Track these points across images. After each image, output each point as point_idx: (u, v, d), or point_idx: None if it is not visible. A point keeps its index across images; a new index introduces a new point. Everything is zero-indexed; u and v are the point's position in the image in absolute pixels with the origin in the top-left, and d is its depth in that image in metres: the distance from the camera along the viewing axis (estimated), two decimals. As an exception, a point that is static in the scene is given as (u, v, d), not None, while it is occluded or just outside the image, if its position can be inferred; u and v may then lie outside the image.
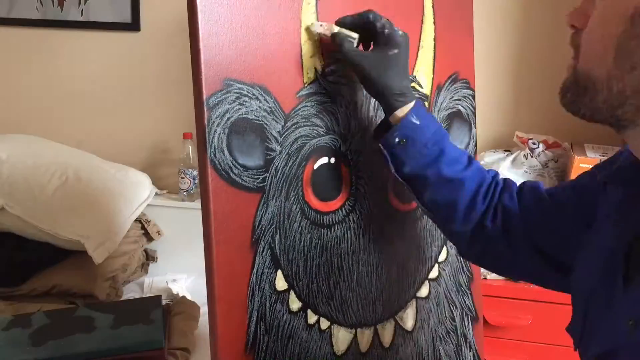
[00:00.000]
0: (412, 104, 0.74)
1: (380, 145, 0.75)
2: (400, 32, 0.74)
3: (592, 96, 0.51)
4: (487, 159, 1.51)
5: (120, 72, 1.79)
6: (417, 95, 0.89)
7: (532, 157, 1.47)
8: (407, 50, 0.74)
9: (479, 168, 0.78)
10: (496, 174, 0.79)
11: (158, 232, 1.68)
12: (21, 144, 1.64)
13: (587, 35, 0.52)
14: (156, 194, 1.71)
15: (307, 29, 0.75)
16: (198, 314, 1.35)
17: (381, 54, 0.72)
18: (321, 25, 0.75)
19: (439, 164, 0.74)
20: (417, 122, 0.73)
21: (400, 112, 0.73)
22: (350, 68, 0.75)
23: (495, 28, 1.60)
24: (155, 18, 1.75)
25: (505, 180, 0.78)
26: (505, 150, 1.56)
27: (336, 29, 0.73)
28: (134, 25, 1.75)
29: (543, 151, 1.47)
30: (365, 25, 0.74)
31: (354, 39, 0.73)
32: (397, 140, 0.73)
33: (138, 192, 1.63)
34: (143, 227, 1.65)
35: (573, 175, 1.30)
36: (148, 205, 1.65)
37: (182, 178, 1.66)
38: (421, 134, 0.73)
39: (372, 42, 0.75)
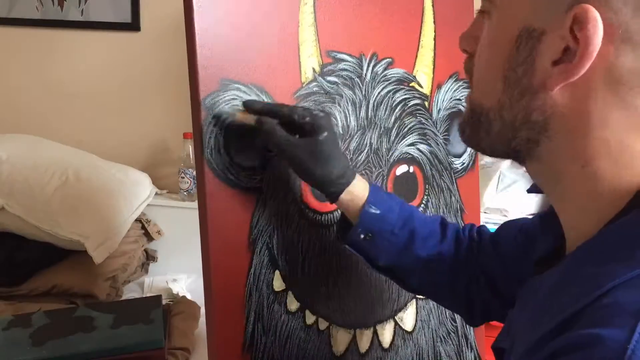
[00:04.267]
0: (366, 193, 0.68)
1: (346, 246, 0.71)
2: (321, 114, 0.67)
3: (487, 129, 0.47)
4: (488, 159, 1.50)
5: (120, 72, 1.79)
6: (416, 95, 0.89)
7: (532, 156, 1.47)
8: (333, 130, 0.68)
9: (454, 234, 0.73)
10: (471, 228, 0.75)
11: (158, 232, 1.67)
12: (21, 144, 1.64)
13: (477, 62, 0.48)
14: (156, 193, 1.71)
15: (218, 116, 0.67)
16: (198, 313, 1.35)
17: (311, 140, 0.65)
18: (241, 113, 0.68)
19: (412, 247, 0.69)
20: (378, 212, 0.68)
21: (351, 198, 0.68)
22: (282, 158, 0.68)
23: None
24: (155, 18, 1.74)
25: (480, 233, 0.74)
26: (506, 150, 1.56)
27: (253, 116, 0.67)
28: (134, 25, 1.74)
29: (544, 151, 1.47)
30: (281, 119, 0.66)
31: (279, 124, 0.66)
32: (362, 236, 0.68)
33: (138, 192, 1.62)
34: (143, 227, 1.65)
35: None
36: (148, 205, 1.65)
37: (182, 178, 1.66)
38: (385, 222, 0.68)
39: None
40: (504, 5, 0.45)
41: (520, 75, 0.43)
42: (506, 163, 1.47)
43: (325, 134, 0.66)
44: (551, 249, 0.54)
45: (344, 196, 0.68)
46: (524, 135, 0.44)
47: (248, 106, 0.68)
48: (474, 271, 0.71)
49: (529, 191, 0.57)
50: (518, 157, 0.47)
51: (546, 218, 0.57)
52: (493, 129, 0.46)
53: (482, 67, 0.48)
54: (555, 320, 0.40)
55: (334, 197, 0.68)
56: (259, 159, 0.71)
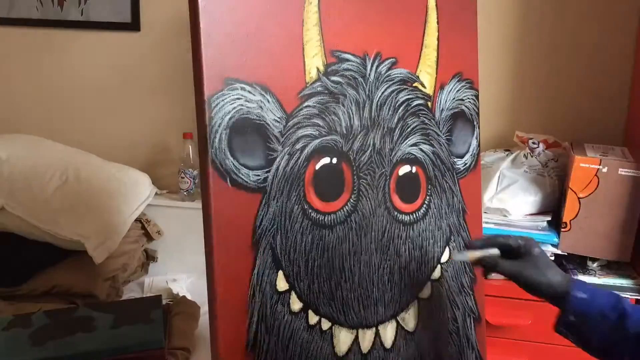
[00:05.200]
0: (571, 283, 0.77)
1: (562, 330, 0.77)
2: (529, 237, 0.81)
3: None
4: (487, 159, 1.50)
5: (120, 72, 1.79)
6: (420, 95, 0.89)
7: (532, 156, 1.47)
8: (541, 248, 0.80)
9: None
10: None
11: (158, 232, 1.67)
12: (21, 144, 1.64)
13: None
14: (156, 193, 1.70)
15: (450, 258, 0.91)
16: (198, 313, 1.35)
17: (530, 257, 0.78)
18: (461, 254, 0.85)
19: (624, 325, 0.73)
20: (585, 296, 0.75)
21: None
22: (512, 279, 0.79)
23: (496, 28, 1.60)
24: (155, 18, 1.74)
25: None
26: (505, 150, 1.56)
27: (478, 253, 0.80)
28: (134, 25, 1.74)
29: (543, 151, 1.47)
30: (497, 246, 0.80)
31: (498, 255, 0.80)
32: (572, 318, 0.75)
33: (138, 191, 1.62)
34: (143, 227, 1.65)
35: (573, 174, 1.30)
36: (148, 205, 1.65)
37: (182, 178, 1.66)
38: (593, 304, 0.74)
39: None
40: None
41: None
42: (506, 163, 1.47)
43: (537, 249, 0.78)
44: None
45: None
46: None
47: (471, 245, 0.84)
48: None
49: None
50: None
51: None
52: None
53: None
54: None
55: (560, 301, 0.76)
56: (264, 159, 0.71)
